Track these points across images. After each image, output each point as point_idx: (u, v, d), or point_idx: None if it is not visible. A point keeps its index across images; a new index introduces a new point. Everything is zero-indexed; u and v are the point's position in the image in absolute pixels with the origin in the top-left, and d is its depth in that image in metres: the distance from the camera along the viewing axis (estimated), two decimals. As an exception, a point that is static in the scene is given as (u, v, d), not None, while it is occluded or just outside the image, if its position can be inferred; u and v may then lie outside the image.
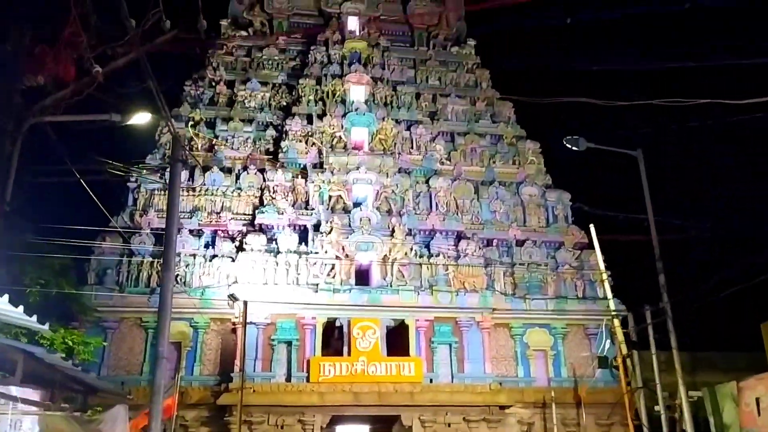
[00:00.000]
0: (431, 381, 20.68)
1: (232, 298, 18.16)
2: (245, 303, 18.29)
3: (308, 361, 20.27)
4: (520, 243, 23.43)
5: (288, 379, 20.15)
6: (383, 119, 24.57)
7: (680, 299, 11.66)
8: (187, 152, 10.14)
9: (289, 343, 20.59)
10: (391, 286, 21.51)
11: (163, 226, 21.63)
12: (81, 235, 19.46)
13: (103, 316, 20.22)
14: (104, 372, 19.74)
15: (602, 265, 13.59)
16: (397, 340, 21.28)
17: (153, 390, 8.95)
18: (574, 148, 12.74)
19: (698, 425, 11.70)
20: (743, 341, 19.97)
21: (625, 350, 12.63)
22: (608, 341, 13.13)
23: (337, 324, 21.12)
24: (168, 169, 22.53)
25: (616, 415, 21.11)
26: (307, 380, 20.03)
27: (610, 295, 13.16)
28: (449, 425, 20.19)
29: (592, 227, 14.27)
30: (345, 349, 20.77)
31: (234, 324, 20.36)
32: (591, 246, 23.62)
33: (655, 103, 8.96)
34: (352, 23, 27.42)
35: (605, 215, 14.28)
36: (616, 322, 12.75)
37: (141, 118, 8.95)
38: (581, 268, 23.15)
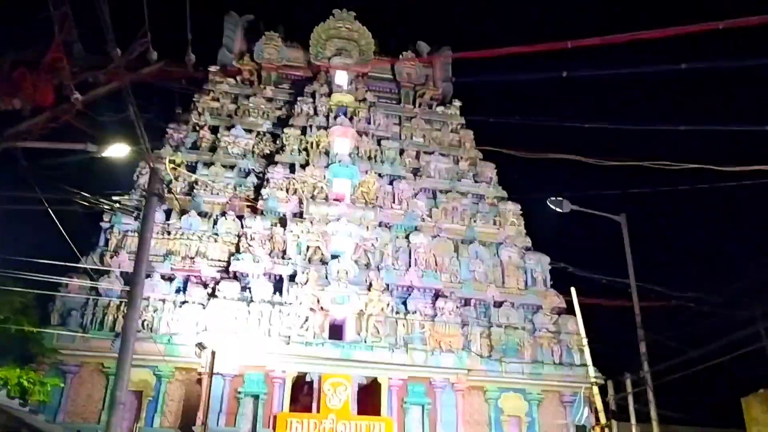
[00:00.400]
0: (402, 444, 19.94)
1: (200, 346, 17.47)
2: (213, 353, 17.60)
3: (275, 417, 19.46)
4: (498, 304, 23.15)
5: (252, 434, 19.30)
6: (366, 172, 24.53)
7: (661, 369, 11.39)
8: (164, 188, 9.77)
9: (256, 397, 19.82)
10: (365, 341, 20.97)
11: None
12: (47, 272, 18.87)
13: (63, 359, 19.33)
14: (60, 418, 18.74)
15: (582, 330, 13.35)
16: (368, 398, 20.60)
17: (106, 438, 8.32)
18: (558, 209, 12.66)
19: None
20: (724, 416, 19.60)
21: (603, 419, 12.25)
22: (586, 409, 12.69)
23: (308, 379, 20.42)
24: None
25: (590, 488, 20.55)
26: (273, 437, 19.18)
27: (589, 361, 12.86)
28: (418, 492, 19.36)
29: (573, 290, 14.11)
30: (314, 405, 20.02)
31: (200, 374, 19.57)
32: (569, 311, 23.50)
33: (644, 165, 8.92)
34: (341, 78, 27.69)
35: (586, 278, 14.12)
36: (595, 389, 12.41)
37: (118, 151, 8.66)
38: (559, 333, 22.85)
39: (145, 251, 9.53)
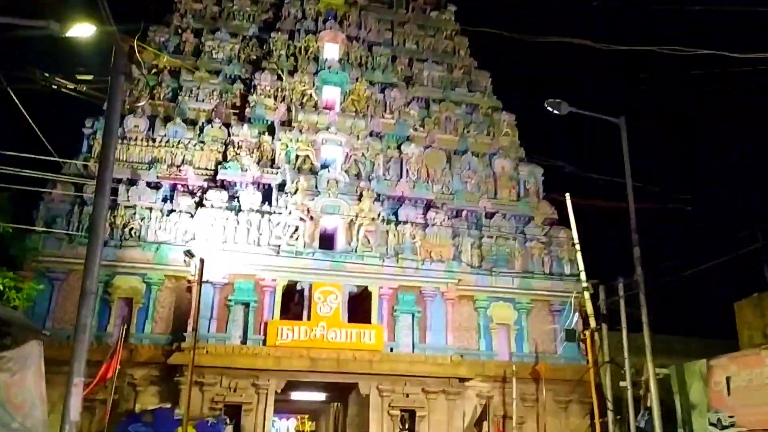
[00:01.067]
0: (392, 350, 20.19)
1: (188, 254, 17.27)
2: (201, 260, 17.40)
3: (266, 324, 19.56)
4: (490, 215, 22.97)
5: (244, 341, 19.43)
6: (357, 80, 23.70)
7: (654, 274, 11.26)
8: (130, 64, 9.09)
9: (246, 305, 19.83)
10: (355, 251, 20.84)
11: (120, 176, 20.63)
12: (29, 179, 18.39)
13: (50, 266, 19.13)
14: (50, 324, 18.72)
15: (575, 234, 13.06)
16: (358, 307, 20.70)
17: (77, 328, 8.03)
18: (555, 111, 12.15)
19: (663, 405, 11.38)
20: (717, 326, 19.79)
21: (593, 324, 12.23)
22: (576, 315, 12.67)
23: (298, 288, 20.41)
24: (126, 118, 21.48)
25: (574, 393, 21.00)
26: (264, 344, 19.34)
27: (581, 265, 12.69)
28: (407, 395, 19.78)
29: (567, 195, 13.75)
30: (305, 313, 20.11)
31: (189, 282, 19.46)
32: (561, 222, 23.47)
33: (653, 50, 8.35)
34: (330, -22, 26.27)
35: (581, 185, 13.75)
36: (586, 295, 12.31)
37: (83, 30, 7.97)
38: (550, 244, 22.83)
39: (112, 140, 8.88)
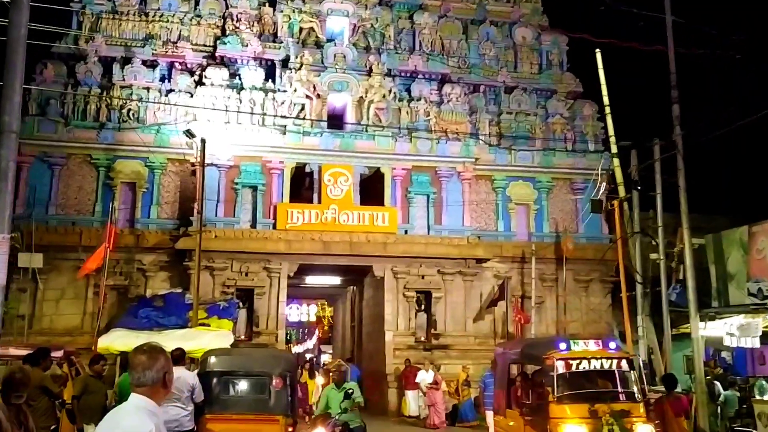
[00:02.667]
0: (406, 232, 19.53)
1: (189, 134, 16.25)
2: (203, 141, 16.43)
3: (275, 207, 18.87)
4: (509, 89, 21.48)
5: (253, 225, 18.84)
6: (363, -58, 21.54)
7: (693, 136, 10.06)
8: None
9: (254, 188, 19.06)
10: (366, 130, 19.71)
11: (114, 54, 19.34)
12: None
13: (47, 151, 18.31)
14: (53, 211, 18.19)
15: (605, 91, 11.62)
16: (371, 188, 19.85)
17: None
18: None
19: (696, 277, 10.56)
20: (756, 205, 18.27)
21: (622, 192, 11.18)
22: (603, 185, 11.57)
23: (307, 170, 19.52)
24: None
25: (595, 272, 20.44)
26: (274, 227, 18.74)
27: (611, 127, 11.38)
28: (423, 277, 19.29)
29: (598, 52, 12.24)
30: (315, 196, 19.33)
31: (193, 165, 18.53)
32: (585, 96, 21.98)
33: None
34: None
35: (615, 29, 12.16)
36: (616, 161, 11.17)
37: None
38: (573, 119, 21.46)
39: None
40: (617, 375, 8.68)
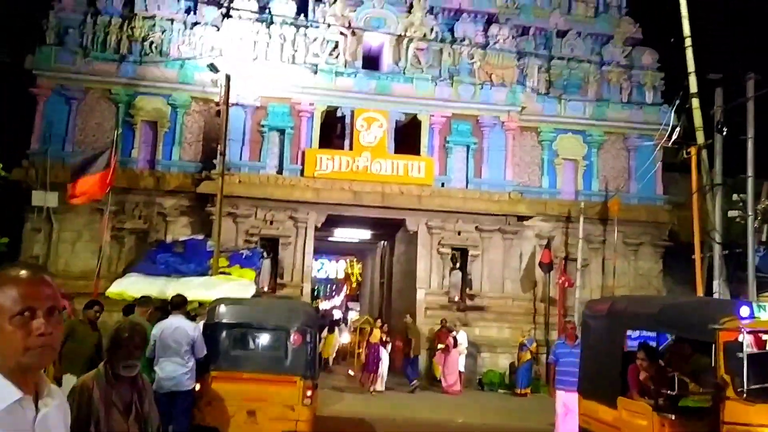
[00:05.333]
0: (443, 185, 18.16)
1: (212, 68, 15.01)
2: (228, 77, 15.15)
3: (303, 153, 17.63)
4: (562, 34, 19.65)
5: (279, 171, 17.67)
6: None
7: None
8: None
9: (281, 132, 17.81)
10: (404, 73, 18.21)
11: (135, -17, 18.00)
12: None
13: (65, 83, 17.23)
14: (69, 147, 17.22)
15: (686, 26, 9.92)
16: (406, 136, 18.43)
17: None
18: None
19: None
20: None
21: (701, 138, 9.61)
22: (676, 133, 9.95)
23: (339, 114, 18.17)
24: None
25: (646, 235, 18.92)
26: (302, 174, 17.54)
27: (692, 64, 9.74)
28: (459, 233, 17.96)
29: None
30: (346, 142, 18.02)
31: (218, 105, 17.29)
32: (644, 43, 20.06)
33: None
34: None
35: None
36: (695, 101, 9.56)
37: None
38: (630, 68, 19.60)
39: None
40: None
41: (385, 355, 14.60)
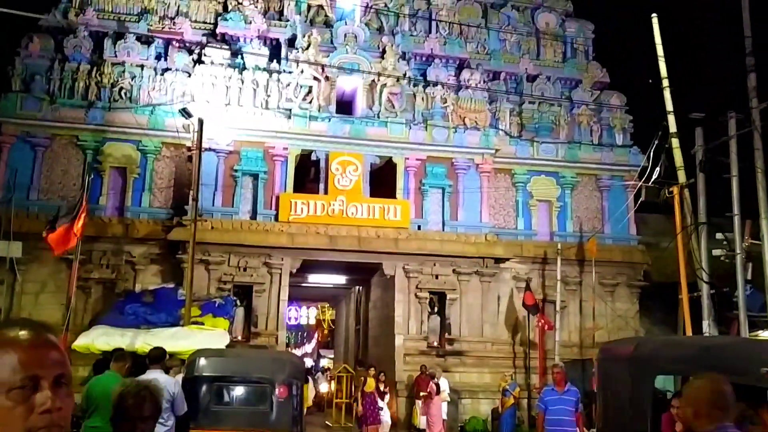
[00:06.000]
0: (419, 228, 18.00)
1: (184, 113, 14.74)
2: (200, 121, 14.91)
3: (277, 198, 17.34)
4: (532, 78, 19.98)
5: (253, 216, 17.31)
6: None
7: None
8: None
9: (255, 176, 17.54)
10: (378, 117, 18.21)
11: (105, 29, 17.83)
12: (4, 32, 15.84)
13: (30, 130, 16.76)
14: (34, 196, 16.64)
15: (662, 62, 10.06)
16: (382, 180, 18.33)
17: None
18: None
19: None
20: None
21: (682, 178, 9.64)
22: (656, 171, 9.94)
23: (313, 158, 18.00)
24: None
25: (621, 275, 18.97)
26: (276, 219, 17.20)
27: (670, 104, 9.85)
28: (437, 277, 17.74)
29: (654, 17, 10.64)
30: (321, 186, 17.81)
31: (190, 150, 16.94)
32: (611, 87, 20.56)
33: None
34: None
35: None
36: (675, 141, 9.63)
37: None
38: (600, 111, 19.97)
39: None
40: None
41: (384, 405, 14.15)
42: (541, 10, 20.76)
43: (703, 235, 9.44)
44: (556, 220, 19.25)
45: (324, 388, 20.48)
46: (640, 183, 10.50)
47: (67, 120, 16.87)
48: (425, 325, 17.60)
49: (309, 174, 19.06)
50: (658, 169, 9.87)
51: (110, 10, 18.15)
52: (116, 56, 17.50)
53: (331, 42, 18.39)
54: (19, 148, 16.73)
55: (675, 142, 9.93)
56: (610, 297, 18.72)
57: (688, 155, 9.92)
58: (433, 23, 19.79)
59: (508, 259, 18.01)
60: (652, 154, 10.15)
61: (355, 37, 18.49)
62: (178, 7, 18.53)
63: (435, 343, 17.56)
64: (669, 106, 10.14)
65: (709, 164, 9.48)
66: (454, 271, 17.77)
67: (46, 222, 13.56)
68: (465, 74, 19.03)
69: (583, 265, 18.52)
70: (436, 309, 17.88)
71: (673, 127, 9.97)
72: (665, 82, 10.17)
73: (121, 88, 17.31)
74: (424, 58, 19.29)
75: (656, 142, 9.74)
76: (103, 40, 17.58)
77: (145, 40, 17.96)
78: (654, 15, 10.63)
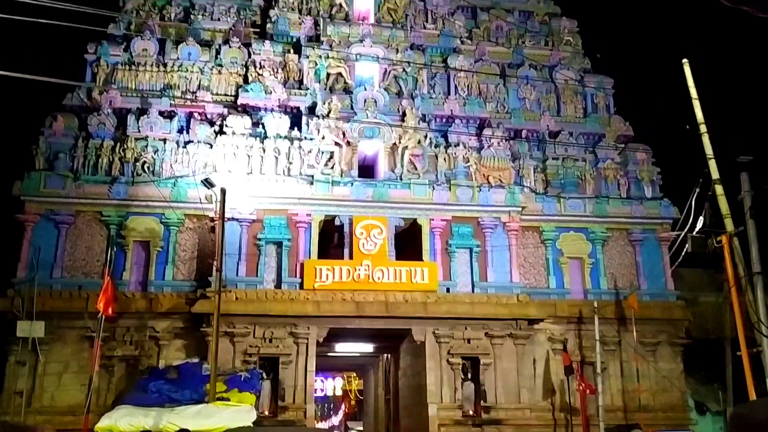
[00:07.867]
0: (448, 290, 17.46)
1: (207, 183, 14.63)
2: (223, 191, 14.81)
3: (302, 265, 16.99)
4: (554, 135, 19.79)
5: (278, 285, 16.94)
6: (392, -14, 20.53)
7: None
8: None
9: (279, 244, 17.26)
10: (400, 179, 18.01)
11: (129, 106, 18.11)
12: (29, 113, 16.07)
13: (54, 208, 16.76)
14: (58, 273, 16.45)
15: (698, 107, 9.77)
16: (407, 242, 17.96)
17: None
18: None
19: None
20: None
21: (730, 226, 9.15)
22: (700, 221, 9.47)
23: (337, 223, 17.74)
24: (133, 41, 18.91)
25: (662, 333, 18.15)
26: (301, 287, 16.80)
27: (709, 149, 9.46)
28: (469, 341, 17.07)
29: (685, 62, 10.43)
30: (346, 251, 17.46)
31: (213, 221, 16.86)
32: (636, 139, 20.30)
33: None
34: None
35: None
36: (719, 189, 9.21)
37: None
38: (625, 164, 19.62)
39: None
40: None
41: None
42: (558, 67, 20.77)
43: (759, 286, 8.88)
44: (589, 277, 18.62)
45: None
46: (682, 234, 9.99)
47: (91, 196, 16.87)
48: (459, 392, 16.81)
49: (333, 240, 18.79)
50: (701, 218, 9.38)
51: (133, 87, 18.45)
52: (139, 131, 17.65)
53: (351, 108, 18.43)
54: (43, 226, 16.67)
55: (719, 189, 9.50)
56: (651, 356, 17.86)
57: (733, 202, 9.48)
58: (452, 85, 19.84)
59: (542, 320, 17.34)
60: (693, 203, 9.68)
61: (375, 102, 18.53)
62: (200, 81, 18.79)
63: (471, 412, 16.72)
64: (709, 151, 9.77)
65: (758, 210, 9.02)
66: (486, 334, 17.12)
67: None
68: (486, 133, 18.89)
69: (621, 323, 17.80)
70: (469, 375, 17.12)
71: (715, 173, 9.57)
72: (703, 128, 9.84)
73: (144, 162, 17.36)
74: (444, 119, 19.25)
75: (697, 190, 9.31)
76: (127, 116, 17.80)
77: (168, 115, 18.16)
78: (685, 60, 10.43)
